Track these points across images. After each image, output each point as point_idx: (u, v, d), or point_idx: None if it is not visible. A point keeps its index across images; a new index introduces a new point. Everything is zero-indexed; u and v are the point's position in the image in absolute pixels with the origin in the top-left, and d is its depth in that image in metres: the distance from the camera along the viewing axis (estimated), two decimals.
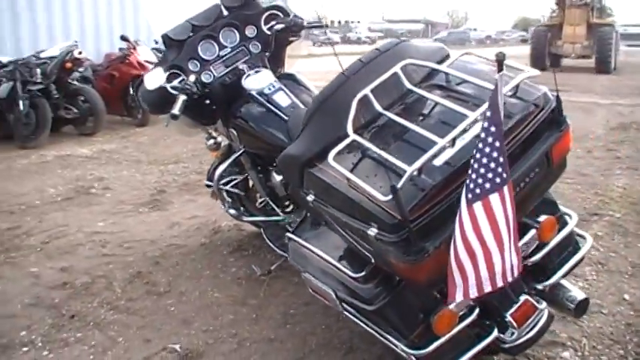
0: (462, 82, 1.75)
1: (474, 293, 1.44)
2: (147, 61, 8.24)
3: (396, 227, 1.49)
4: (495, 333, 1.89)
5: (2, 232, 3.98)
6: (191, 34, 2.85)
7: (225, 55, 2.85)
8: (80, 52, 7.50)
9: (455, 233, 1.38)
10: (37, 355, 2.50)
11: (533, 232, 1.89)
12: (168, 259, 3.48)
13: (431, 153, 1.49)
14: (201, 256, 3.53)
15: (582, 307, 2.04)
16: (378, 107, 1.72)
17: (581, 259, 2.06)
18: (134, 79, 8.10)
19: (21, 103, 6.76)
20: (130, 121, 8.37)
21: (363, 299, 1.88)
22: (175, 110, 2.49)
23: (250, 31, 2.93)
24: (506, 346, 1.93)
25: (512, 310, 1.91)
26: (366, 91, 1.71)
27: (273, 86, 2.72)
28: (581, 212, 4.03)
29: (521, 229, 1.89)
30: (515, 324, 1.90)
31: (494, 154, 1.30)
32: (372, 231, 1.54)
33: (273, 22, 2.94)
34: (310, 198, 1.80)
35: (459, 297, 1.45)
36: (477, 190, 1.33)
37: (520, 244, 1.87)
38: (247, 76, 2.77)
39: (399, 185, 1.44)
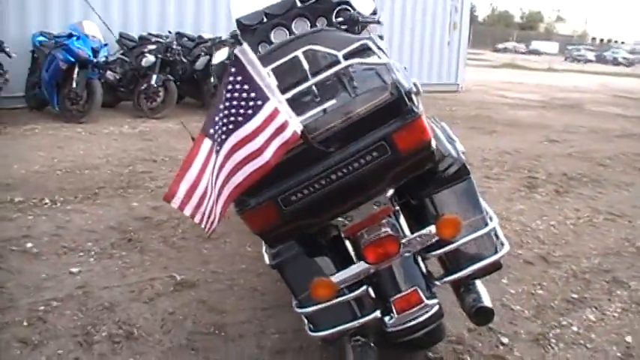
0: (355, 70, 1.88)
1: (188, 211, 1.61)
2: None
3: None
4: (377, 314, 1.96)
5: (135, 174, 4.85)
6: (264, 20, 3.24)
7: None
8: None
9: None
10: (85, 260, 3.17)
11: (431, 227, 1.92)
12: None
13: None
14: None
15: (482, 315, 2.01)
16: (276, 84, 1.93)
17: (491, 267, 2.00)
18: None
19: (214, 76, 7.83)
20: None
21: (269, 255, 2.13)
22: None
23: (321, 23, 3.20)
24: (388, 330, 1.97)
25: (397, 297, 1.94)
26: (267, 69, 1.93)
27: None
28: None
29: (424, 223, 1.95)
30: (395, 310, 1.93)
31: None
32: None
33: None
34: None
35: (176, 203, 1.60)
36: (211, 131, 1.56)
37: (414, 235, 1.95)
38: None
39: None
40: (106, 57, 7.31)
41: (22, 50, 7.63)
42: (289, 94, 1.74)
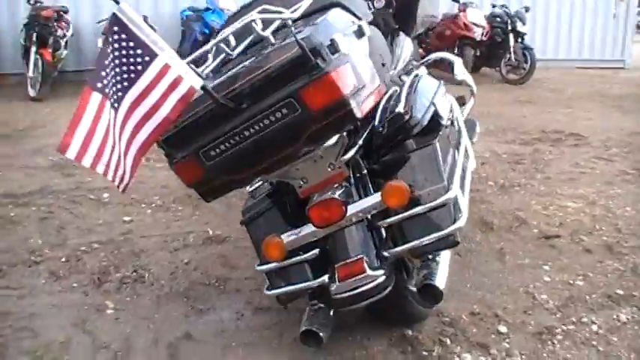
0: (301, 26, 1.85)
1: (87, 162, 1.60)
2: (474, 23, 8.52)
3: None
4: (324, 279, 1.93)
5: None
6: None
7: None
8: None
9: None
10: (143, 211, 3.50)
11: (378, 194, 1.85)
12: None
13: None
14: None
15: (427, 293, 1.87)
16: (233, 44, 1.95)
17: (442, 242, 1.85)
18: (461, 39, 8.52)
19: None
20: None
21: (243, 212, 2.19)
22: None
23: None
24: (332, 296, 1.91)
25: (342, 263, 1.88)
26: (227, 32, 1.96)
27: None
28: None
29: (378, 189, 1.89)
30: (337, 277, 1.87)
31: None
32: None
33: None
34: None
35: (71, 154, 1.57)
36: (99, 85, 1.58)
37: (360, 201, 1.91)
38: None
39: None
40: None
41: (174, 24, 8.41)
42: (202, 50, 1.78)
